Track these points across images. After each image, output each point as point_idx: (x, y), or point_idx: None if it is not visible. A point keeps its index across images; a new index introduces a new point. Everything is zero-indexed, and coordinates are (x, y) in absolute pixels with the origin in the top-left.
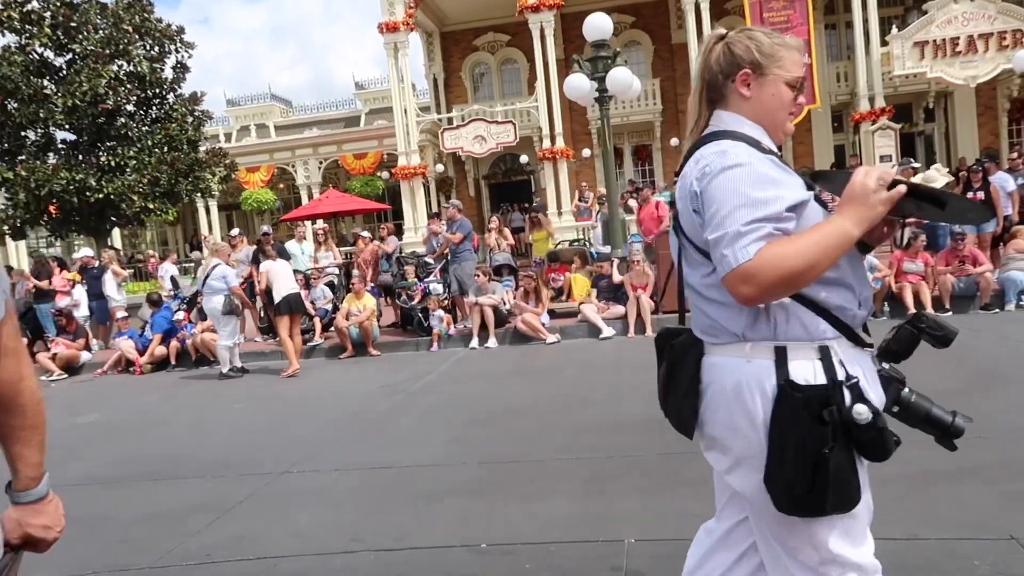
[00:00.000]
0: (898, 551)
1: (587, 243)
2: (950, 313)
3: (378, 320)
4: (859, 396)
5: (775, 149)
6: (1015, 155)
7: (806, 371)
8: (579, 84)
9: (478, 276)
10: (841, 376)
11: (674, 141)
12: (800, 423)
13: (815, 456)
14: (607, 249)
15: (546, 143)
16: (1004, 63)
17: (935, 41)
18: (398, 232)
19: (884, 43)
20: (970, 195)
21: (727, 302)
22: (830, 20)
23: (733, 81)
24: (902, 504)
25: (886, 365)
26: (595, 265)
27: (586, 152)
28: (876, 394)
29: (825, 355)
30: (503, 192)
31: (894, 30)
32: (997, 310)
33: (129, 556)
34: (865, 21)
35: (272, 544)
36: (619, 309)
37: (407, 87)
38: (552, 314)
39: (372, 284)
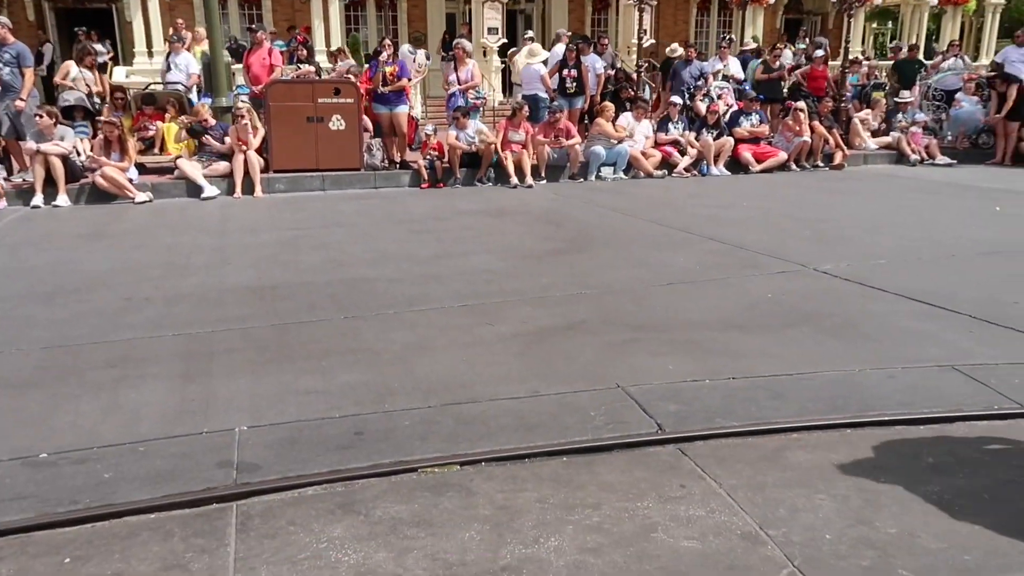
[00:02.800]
0: (523, 409)
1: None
2: (544, 180)
3: None
4: None
5: None
6: (605, 40)
7: None
8: None
9: (40, 117)
10: None
11: None
12: None
13: None
14: (208, 99)
15: None
16: None
17: None
18: None
19: None
20: (565, 72)
21: None
22: None
23: None
24: (522, 361)
25: None
26: (193, 115)
27: None
28: None
29: None
30: (75, 20)
31: None
32: (582, 179)
33: None
34: None
35: None
36: (223, 165)
37: None
38: (142, 169)
39: None
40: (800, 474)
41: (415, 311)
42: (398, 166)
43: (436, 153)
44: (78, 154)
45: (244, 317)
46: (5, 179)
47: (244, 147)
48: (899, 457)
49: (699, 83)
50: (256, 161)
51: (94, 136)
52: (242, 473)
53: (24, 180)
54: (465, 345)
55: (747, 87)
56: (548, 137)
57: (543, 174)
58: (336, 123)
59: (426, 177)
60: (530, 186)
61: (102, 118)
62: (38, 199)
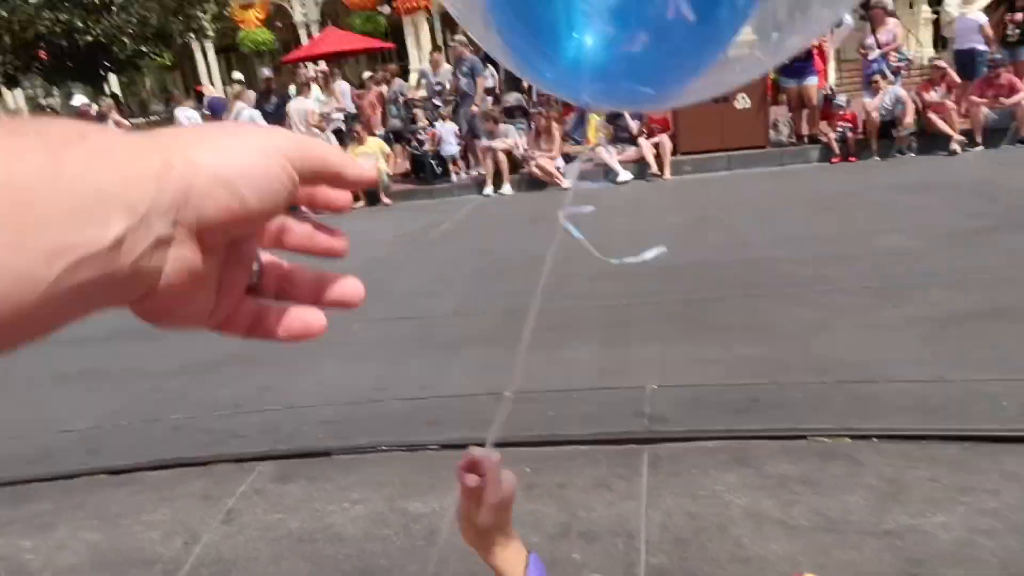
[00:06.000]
0: (923, 392)
1: None
2: (980, 147)
3: (387, 162)
4: None
5: None
6: None
7: None
8: None
9: (488, 121)
10: None
11: None
12: None
13: None
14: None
15: None
16: None
17: None
18: (404, 74)
19: None
20: (1007, 17)
21: None
22: None
23: None
24: (927, 344)
25: None
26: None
27: None
28: None
29: None
30: None
31: None
32: None
33: (160, 407)
34: None
35: (298, 394)
36: (634, 151)
37: None
38: (567, 158)
39: (382, 130)
40: None
41: (815, 291)
42: (807, 141)
43: (849, 125)
44: (517, 147)
45: (657, 292)
46: (466, 169)
47: (656, 133)
48: None
49: None
50: (667, 145)
51: (529, 130)
52: (653, 423)
53: (479, 173)
54: (865, 326)
55: None
56: (986, 96)
57: (979, 139)
58: (742, 101)
59: (837, 151)
60: (954, 152)
61: (535, 111)
62: (488, 189)
